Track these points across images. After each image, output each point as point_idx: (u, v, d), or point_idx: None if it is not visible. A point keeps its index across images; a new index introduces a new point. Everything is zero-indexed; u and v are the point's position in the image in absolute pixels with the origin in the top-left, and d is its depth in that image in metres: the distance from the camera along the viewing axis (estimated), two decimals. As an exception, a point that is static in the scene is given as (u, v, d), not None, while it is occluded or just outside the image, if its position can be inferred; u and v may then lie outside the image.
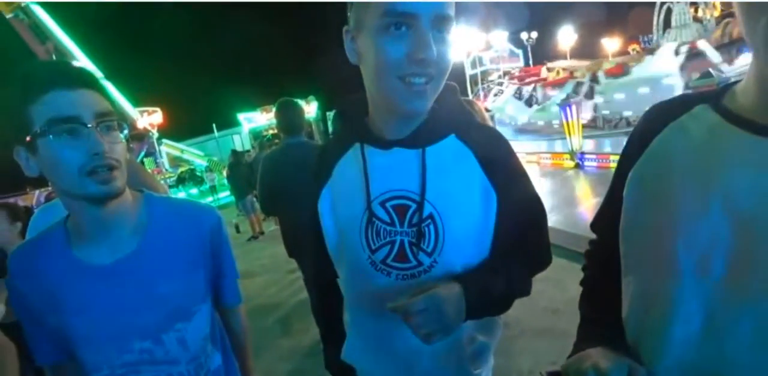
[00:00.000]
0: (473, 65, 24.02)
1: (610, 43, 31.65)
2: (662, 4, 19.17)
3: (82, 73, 0.73)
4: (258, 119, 22.31)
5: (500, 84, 21.71)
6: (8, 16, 16.26)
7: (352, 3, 0.72)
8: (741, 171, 0.50)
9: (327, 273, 0.93)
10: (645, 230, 0.59)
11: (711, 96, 0.58)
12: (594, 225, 0.76)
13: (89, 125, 0.70)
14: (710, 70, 10.35)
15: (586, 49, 31.09)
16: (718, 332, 0.51)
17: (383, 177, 0.79)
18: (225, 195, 12.15)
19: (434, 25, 0.66)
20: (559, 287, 2.75)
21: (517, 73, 22.65)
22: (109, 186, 0.72)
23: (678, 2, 17.81)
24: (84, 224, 0.79)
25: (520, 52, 27.37)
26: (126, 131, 0.77)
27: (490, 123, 3.42)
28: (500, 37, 26.06)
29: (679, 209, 0.54)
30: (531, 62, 25.80)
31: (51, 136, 0.69)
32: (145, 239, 0.82)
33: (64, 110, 0.69)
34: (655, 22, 19.95)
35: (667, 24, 18.91)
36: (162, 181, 15.05)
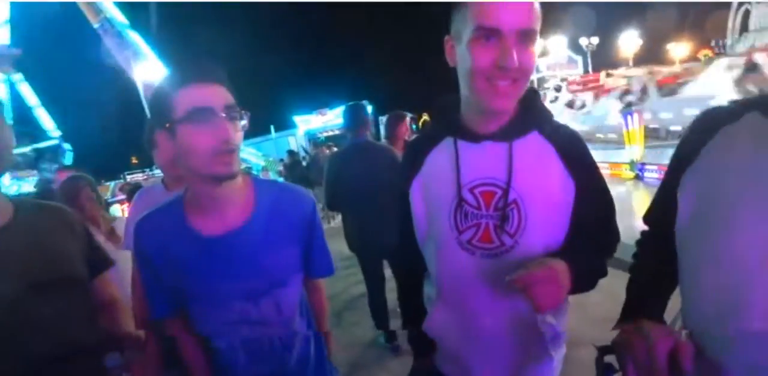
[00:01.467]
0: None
1: (678, 49, 29.88)
2: (740, 4, 17.80)
3: (216, 70, 0.86)
4: (313, 122, 23.03)
5: (557, 89, 21.05)
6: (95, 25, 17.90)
7: (453, 18, 0.83)
8: None
9: (413, 255, 1.01)
10: (706, 228, 0.65)
11: (761, 103, 0.65)
12: (646, 218, 0.86)
13: (221, 115, 0.82)
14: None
15: (652, 55, 29.49)
16: None
17: (473, 166, 0.88)
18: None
19: (518, 39, 0.75)
20: (612, 297, 2.68)
21: (575, 80, 21.93)
22: (230, 167, 0.85)
23: (759, 2, 16.45)
24: (201, 199, 0.92)
25: (579, 58, 26.49)
26: (245, 121, 0.88)
27: None
28: (559, 43, 25.40)
29: (740, 210, 0.60)
30: (590, 69, 24.91)
31: (190, 123, 0.81)
32: (252, 216, 0.94)
33: (202, 101, 0.82)
34: (730, 25, 18.62)
35: (744, 27, 17.59)
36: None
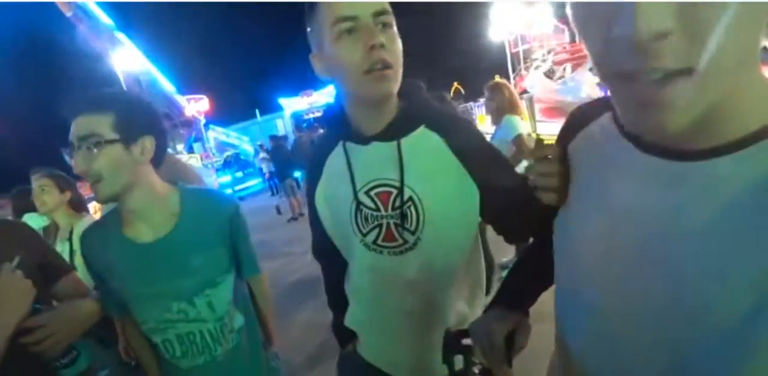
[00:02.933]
0: (515, 44, 22.98)
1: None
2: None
3: (90, 100, 0.94)
4: (299, 103, 22.78)
5: (544, 61, 20.77)
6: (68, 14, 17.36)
7: (310, 34, 0.84)
8: (624, 186, 0.51)
9: (327, 253, 1.06)
10: (561, 224, 0.64)
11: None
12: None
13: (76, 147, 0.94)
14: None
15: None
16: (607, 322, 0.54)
17: (365, 169, 0.90)
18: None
19: (376, 21, 0.77)
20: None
21: (562, 49, 21.64)
22: (96, 195, 0.96)
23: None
24: (126, 212, 1.01)
25: (565, 27, 26.07)
26: (102, 151, 0.93)
27: (521, 108, 3.30)
28: (544, 13, 24.95)
29: (577, 216, 0.58)
30: (577, 38, 24.48)
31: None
32: (178, 223, 1.03)
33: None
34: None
35: None
36: (209, 165, 15.82)
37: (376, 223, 0.89)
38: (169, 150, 1.33)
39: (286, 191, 7.54)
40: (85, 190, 2.41)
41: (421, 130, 0.88)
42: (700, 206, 0.43)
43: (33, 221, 2.11)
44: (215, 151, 20.69)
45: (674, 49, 0.36)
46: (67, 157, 2.11)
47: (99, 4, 17.71)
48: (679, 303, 0.43)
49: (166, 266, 1.01)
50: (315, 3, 0.80)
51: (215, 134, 21.51)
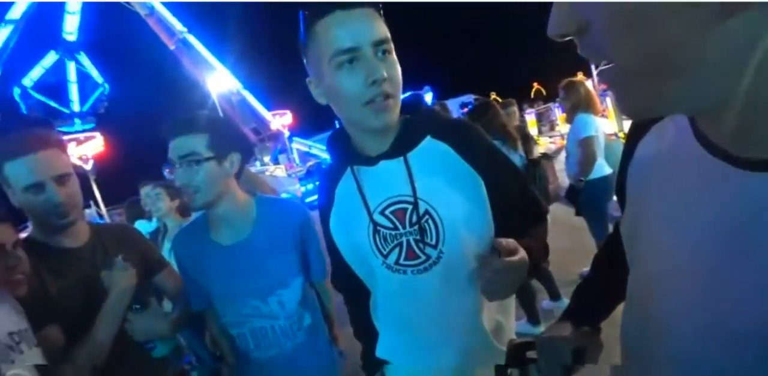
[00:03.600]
0: None
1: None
2: None
3: (185, 123, 1.08)
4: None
5: None
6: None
7: (306, 60, 0.85)
8: (698, 195, 0.42)
9: (348, 284, 1.04)
10: (633, 236, 0.54)
11: None
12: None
13: (176, 166, 1.09)
14: None
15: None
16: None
17: (377, 189, 0.89)
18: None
19: (375, 51, 0.77)
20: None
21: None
22: (192, 204, 1.12)
23: None
24: (213, 217, 1.17)
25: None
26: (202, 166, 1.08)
27: (598, 103, 3.16)
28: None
29: (650, 222, 0.49)
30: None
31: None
32: (255, 229, 1.17)
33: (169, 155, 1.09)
34: None
35: None
36: (293, 175, 16.73)
37: (395, 242, 0.88)
38: (257, 162, 1.51)
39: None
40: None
41: (427, 141, 0.88)
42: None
43: (142, 226, 2.48)
44: (298, 161, 21.92)
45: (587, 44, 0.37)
46: (166, 172, 2.46)
47: (195, 35, 20.10)
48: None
49: (243, 267, 1.14)
50: (311, 32, 0.79)
51: (298, 146, 22.84)
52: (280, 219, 1.19)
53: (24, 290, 0.88)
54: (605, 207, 3.03)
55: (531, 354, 0.74)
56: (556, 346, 0.69)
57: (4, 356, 0.61)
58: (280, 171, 15.38)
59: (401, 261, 0.88)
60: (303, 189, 14.70)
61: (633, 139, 0.54)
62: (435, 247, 0.85)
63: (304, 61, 0.86)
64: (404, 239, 0.87)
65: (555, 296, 2.86)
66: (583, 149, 2.89)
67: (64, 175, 1.05)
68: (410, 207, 0.86)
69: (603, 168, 2.95)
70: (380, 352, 1.01)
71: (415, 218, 0.85)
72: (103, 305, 1.05)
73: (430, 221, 0.85)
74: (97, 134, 18.08)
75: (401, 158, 0.86)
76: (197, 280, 1.19)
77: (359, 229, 0.91)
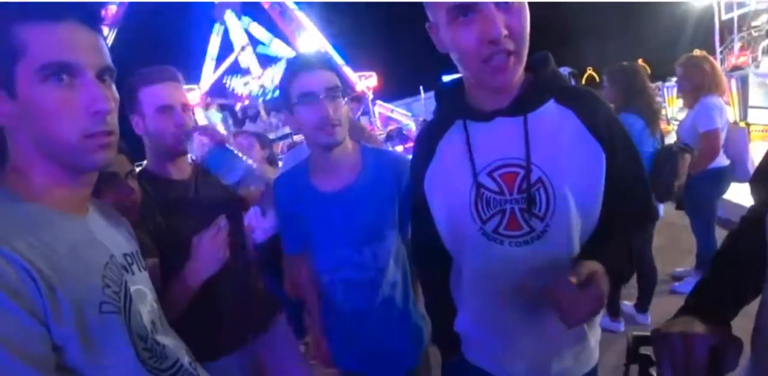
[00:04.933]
0: (728, 8, 17.38)
1: None
2: None
3: (320, 58, 1.11)
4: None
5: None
6: None
7: (425, 4, 0.79)
8: None
9: (434, 248, 0.95)
10: None
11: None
12: (752, 184, 0.71)
13: (321, 96, 1.05)
14: None
15: None
16: None
17: (488, 148, 0.81)
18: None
19: (497, 4, 0.68)
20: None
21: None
22: (333, 138, 1.08)
23: None
24: (318, 162, 1.17)
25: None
26: (345, 99, 1.11)
27: (726, 84, 2.70)
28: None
29: None
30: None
31: (301, 106, 1.07)
32: (358, 177, 1.16)
33: (307, 88, 1.06)
34: None
35: None
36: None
37: (498, 208, 0.81)
38: None
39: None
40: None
41: (551, 105, 0.80)
42: None
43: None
44: (380, 125, 22.03)
45: None
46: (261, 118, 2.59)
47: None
48: None
49: (343, 216, 1.14)
50: None
51: (380, 109, 22.87)
52: (383, 170, 1.18)
53: (134, 217, 0.94)
54: (715, 203, 2.66)
55: (645, 350, 0.67)
56: (688, 344, 0.57)
57: (118, 276, 0.63)
58: None
59: (501, 230, 0.81)
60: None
61: None
62: (542, 219, 0.78)
63: (425, 6, 0.80)
64: (509, 206, 0.80)
65: (642, 306, 2.50)
66: (706, 143, 2.45)
67: (186, 105, 1.18)
68: (522, 172, 0.78)
69: (719, 159, 2.53)
70: (460, 326, 0.95)
71: (525, 185, 0.78)
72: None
73: (541, 190, 0.78)
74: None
75: (521, 118, 0.79)
76: (294, 224, 1.22)
77: (461, 188, 0.84)
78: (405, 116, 22.38)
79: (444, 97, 0.91)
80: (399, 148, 17.42)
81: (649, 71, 2.54)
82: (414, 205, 0.98)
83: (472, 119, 0.83)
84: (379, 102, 23.02)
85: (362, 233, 1.15)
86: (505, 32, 0.68)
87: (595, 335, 0.89)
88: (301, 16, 21.32)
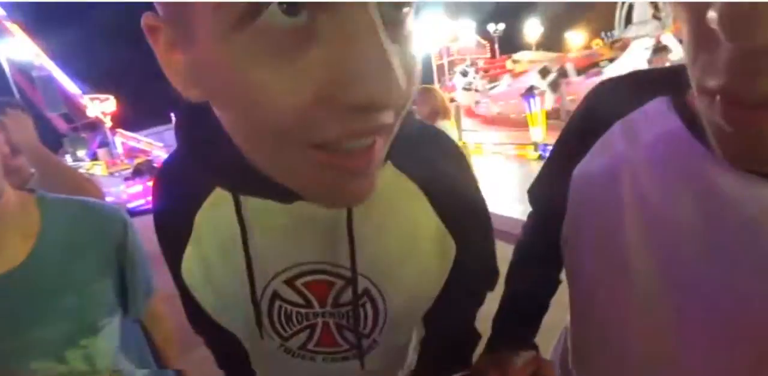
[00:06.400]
0: (440, 55, 24.35)
1: (576, 38, 32.56)
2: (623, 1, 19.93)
3: None
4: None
5: (464, 74, 22.00)
6: None
7: None
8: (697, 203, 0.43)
9: (212, 331, 0.63)
10: (591, 232, 0.52)
11: (671, 83, 0.45)
12: (531, 192, 0.67)
13: None
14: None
15: (553, 43, 32.00)
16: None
17: (281, 244, 0.52)
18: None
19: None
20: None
21: (481, 65, 22.91)
22: None
23: (638, -1, 18.53)
24: None
25: (487, 43, 27.73)
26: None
27: (452, 114, 3.26)
28: (467, 28, 26.30)
29: (628, 225, 0.47)
30: (497, 54, 26.22)
31: None
32: (37, 247, 0.75)
33: None
34: (617, 18, 20.64)
35: (628, 20, 19.63)
36: (116, 174, 14.43)
37: (305, 323, 0.56)
38: (68, 156, 0.96)
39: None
40: None
41: (386, 172, 0.50)
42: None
43: None
44: (125, 158, 19.09)
45: None
46: None
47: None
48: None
49: (19, 310, 0.73)
50: None
51: (125, 139, 19.84)
52: (82, 229, 0.79)
53: None
54: None
55: None
56: None
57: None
58: (99, 169, 13.14)
59: (310, 347, 0.59)
60: (130, 191, 12.82)
61: (593, 129, 0.51)
62: (369, 336, 0.57)
63: None
64: (320, 320, 0.56)
65: None
66: None
67: None
68: (340, 283, 0.53)
69: None
70: None
71: (345, 299, 0.54)
72: None
73: (368, 305, 0.54)
74: None
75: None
76: None
77: (239, 297, 0.53)
78: (156, 147, 20.04)
79: (201, 147, 0.49)
80: (151, 184, 15.47)
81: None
82: (176, 284, 0.60)
83: (251, 194, 0.48)
84: (120, 131, 19.91)
85: (60, 331, 0.75)
86: None
87: None
88: (9, 24, 16.53)
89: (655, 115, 0.46)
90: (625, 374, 0.54)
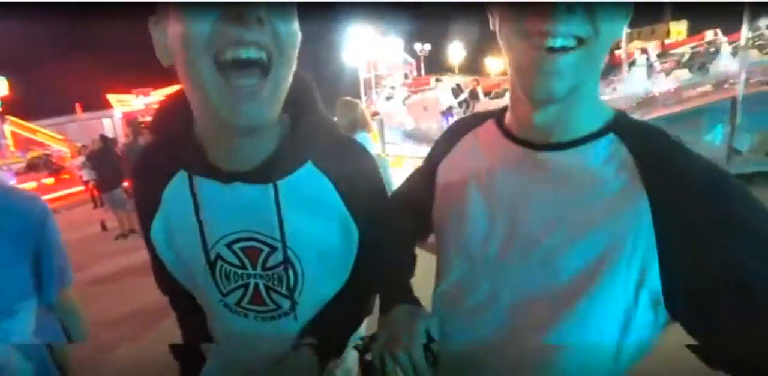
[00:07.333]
0: (368, 70, 24.57)
1: (494, 63, 34.92)
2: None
3: None
4: (134, 103, 20.22)
5: (392, 88, 22.38)
6: None
7: None
8: (502, 173, 0.64)
9: (174, 293, 0.86)
10: (448, 215, 0.70)
11: (498, 113, 0.71)
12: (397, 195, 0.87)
13: None
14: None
15: (474, 66, 34.11)
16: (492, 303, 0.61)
17: (225, 215, 0.69)
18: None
19: None
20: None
21: (408, 81, 23.64)
22: None
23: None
24: None
25: (413, 61, 28.73)
26: None
27: (372, 125, 3.49)
28: (395, 45, 27.09)
29: (467, 203, 0.66)
30: (423, 72, 27.30)
31: None
32: None
33: None
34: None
35: None
36: (5, 168, 12.76)
37: (240, 282, 0.73)
38: None
39: (113, 203, 6.55)
40: None
41: (306, 168, 0.70)
42: (548, 183, 0.59)
43: None
44: (15, 149, 16.91)
45: None
46: None
47: None
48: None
49: None
50: None
51: (17, 128, 17.58)
52: (3, 215, 0.82)
53: None
54: None
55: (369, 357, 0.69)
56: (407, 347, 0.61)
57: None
58: None
59: (243, 304, 0.75)
60: (21, 187, 11.41)
61: (453, 139, 0.75)
62: (289, 298, 0.73)
63: None
64: (252, 281, 0.73)
65: None
66: None
67: None
68: (267, 249, 0.70)
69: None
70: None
71: (271, 263, 0.71)
72: None
73: (289, 270, 0.71)
74: None
75: (269, 185, 0.67)
76: None
77: (194, 256, 0.72)
78: (56, 140, 18.01)
79: (167, 135, 0.71)
80: (49, 181, 13.91)
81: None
82: (148, 250, 0.79)
83: (201, 175, 0.68)
84: (12, 119, 17.62)
85: None
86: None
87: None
88: None
89: (489, 127, 0.70)
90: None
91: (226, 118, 0.57)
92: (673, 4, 20.07)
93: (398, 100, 19.74)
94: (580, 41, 0.50)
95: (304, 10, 0.61)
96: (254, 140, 0.64)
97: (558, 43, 0.50)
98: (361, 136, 3.17)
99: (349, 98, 3.38)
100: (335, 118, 3.76)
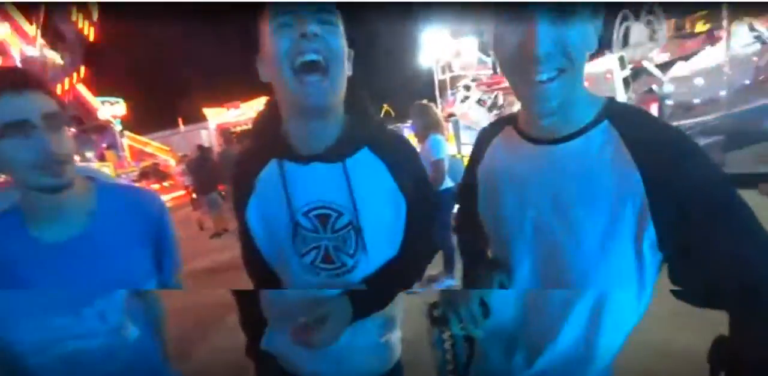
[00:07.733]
0: (443, 71, 24.14)
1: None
2: (621, 23, 20.01)
3: (26, 75, 0.83)
4: (225, 115, 22.06)
5: (467, 88, 21.82)
6: None
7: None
8: (525, 168, 0.81)
9: (255, 265, 1.01)
10: (490, 205, 0.90)
11: (513, 119, 0.88)
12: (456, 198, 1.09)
13: (38, 126, 0.80)
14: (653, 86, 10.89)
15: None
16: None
17: (306, 190, 0.88)
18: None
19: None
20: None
21: (485, 80, 23.02)
22: (61, 179, 0.84)
23: (636, 21, 18.67)
24: (37, 208, 0.89)
25: (489, 60, 27.92)
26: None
27: (445, 126, 3.60)
28: (469, 45, 26.62)
29: (503, 195, 0.85)
30: (499, 71, 26.49)
31: (7, 139, 0.79)
32: (94, 221, 0.93)
33: (14, 114, 0.78)
34: (615, 39, 20.82)
35: (626, 42, 19.76)
36: (123, 176, 14.59)
37: (314, 244, 0.90)
38: (76, 157, 1.26)
39: (210, 205, 7.24)
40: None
41: (364, 152, 0.89)
42: (563, 169, 0.75)
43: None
44: (131, 160, 19.27)
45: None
46: None
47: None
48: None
49: (75, 269, 0.90)
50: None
51: (133, 142, 20.06)
52: (127, 208, 0.98)
53: None
54: (449, 213, 3.49)
55: (437, 312, 0.89)
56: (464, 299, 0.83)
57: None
58: (108, 170, 13.28)
59: (317, 263, 0.91)
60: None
61: (483, 146, 0.94)
62: (352, 257, 0.89)
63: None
64: (323, 243, 0.90)
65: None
66: (435, 170, 3.26)
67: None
68: (335, 214, 0.88)
69: (445, 182, 3.45)
70: (272, 348, 1.02)
71: (338, 226, 0.89)
72: None
73: (352, 232, 0.88)
74: None
75: (340, 164, 0.87)
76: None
77: (280, 223, 0.90)
78: (163, 150, 20.21)
79: (258, 134, 0.96)
80: (155, 187, 15.60)
81: (393, 114, 3.35)
82: (240, 229, 0.99)
83: (288, 159, 0.89)
84: (128, 134, 20.14)
85: (100, 287, 0.92)
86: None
87: (391, 330, 1.02)
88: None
89: (508, 132, 0.88)
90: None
91: (301, 104, 0.80)
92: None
93: (473, 101, 19.29)
94: (561, 70, 0.66)
95: (380, 16, 0.85)
96: (323, 125, 0.86)
97: (544, 76, 0.66)
98: (434, 138, 3.23)
99: (422, 102, 3.49)
100: (410, 122, 3.89)
